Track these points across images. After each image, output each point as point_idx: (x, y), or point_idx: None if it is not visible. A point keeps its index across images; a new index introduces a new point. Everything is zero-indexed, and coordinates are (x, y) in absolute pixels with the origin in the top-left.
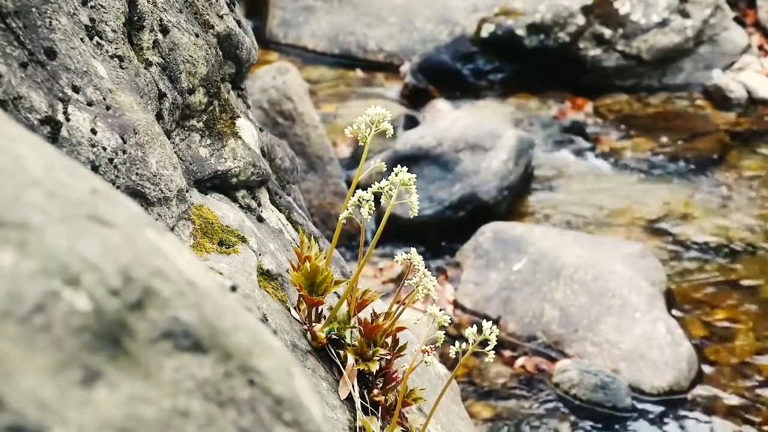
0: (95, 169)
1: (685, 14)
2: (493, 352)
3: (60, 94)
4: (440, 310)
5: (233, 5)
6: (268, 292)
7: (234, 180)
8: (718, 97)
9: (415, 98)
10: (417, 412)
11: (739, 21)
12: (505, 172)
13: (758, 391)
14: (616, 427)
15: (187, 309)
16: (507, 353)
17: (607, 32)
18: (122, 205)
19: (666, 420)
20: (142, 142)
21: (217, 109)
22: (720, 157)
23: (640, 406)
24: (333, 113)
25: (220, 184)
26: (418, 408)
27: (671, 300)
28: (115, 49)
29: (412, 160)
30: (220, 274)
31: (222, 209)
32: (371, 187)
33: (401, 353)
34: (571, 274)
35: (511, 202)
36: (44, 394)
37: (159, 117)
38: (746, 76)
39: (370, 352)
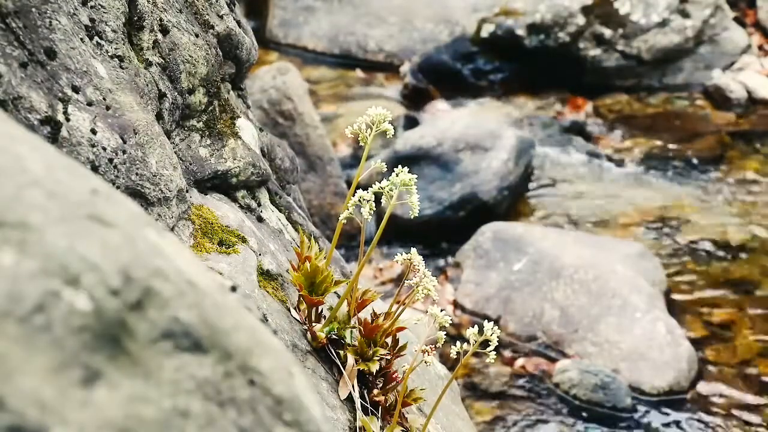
0: (95, 169)
1: (685, 14)
2: (494, 352)
3: (60, 94)
4: (440, 311)
5: (233, 5)
6: (268, 292)
7: (234, 180)
8: (718, 97)
9: (415, 98)
10: (417, 412)
11: (739, 21)
12: (505, 172)
13: (758, 390)
14: (616, 427)
15: (187, 309)
16: (507, 353)
17: (607, 32)
18: (122, 205)
19: (666, 420)
20: (142, 142)
21: (217, 109)
22: (720, 157)
23: (640, 406)
24: (333, 113)
25: (220, 184)
26: (418, 408)
27: (671, 300)
28: (115, 49)
29: (412, 160)
30: (220, 274)
31: (222, 209)
32: (372, 187)
33: (401, 353)
34: (571, 274)
35: (511, 202)
36: (44, 394)
37: (159, 117)
38: (746, 76)
39: (370, 352)
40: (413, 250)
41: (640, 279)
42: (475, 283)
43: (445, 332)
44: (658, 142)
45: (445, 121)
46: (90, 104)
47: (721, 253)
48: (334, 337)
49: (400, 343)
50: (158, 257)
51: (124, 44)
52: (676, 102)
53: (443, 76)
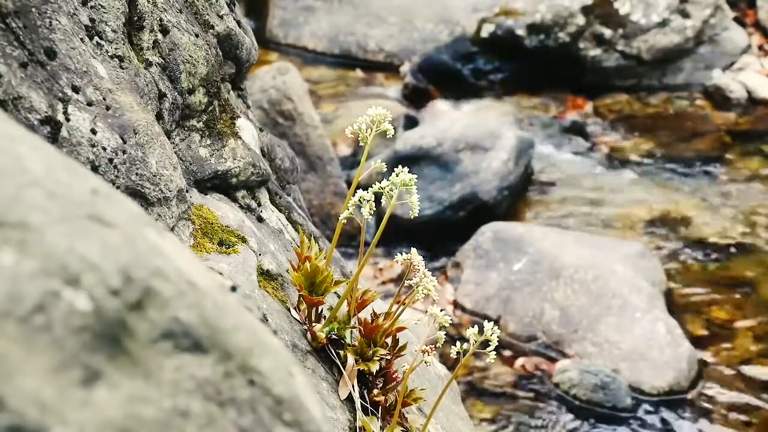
0: (95, 169)
1: (685, 14)
2: (494, 352)
3: (60, 94)
4: (440, 311)
5: (233, 5)
6: (268, 292)
7: (234, 180)
8: (718, 97)
9: (415, 98)
10: (417, 412)
11: (739, 21)
12: (505, 172)
13: (758, 390)
14: (616, 427)
15: (187, 309)
16: (507, 353)
17: (607, 32)
18: (122, 205)
19: (666, 420)
20: (142, 142)
21: (217, 109)
22: (720, 157)
23: (640, 406)
24: (333, 113)
25: (220, 184)
26: (418, 408)
27: (671, 300)
28: (115, 49)
29: (412, 160)
30: (220, 274)
31: (222, 209)
32: (372, 187)
33: (401, 353)
34: (571, 274)
35: (511, 202)
36: (44, 394)
37: (159, 117)
38: (746, 76)
39: (370, 352)
40: (413, 250)
41: (640, 279)
42: (475, 283)
43: (445, 332)
44: (658, 142)
45: (445, 121)
46: (90, 104)
47: (721, 253)
48: (334, 337)
49: (400, 343)
50: (158, 257)
51: (124, 44)
52: (676, 102)
53: (443, 76)
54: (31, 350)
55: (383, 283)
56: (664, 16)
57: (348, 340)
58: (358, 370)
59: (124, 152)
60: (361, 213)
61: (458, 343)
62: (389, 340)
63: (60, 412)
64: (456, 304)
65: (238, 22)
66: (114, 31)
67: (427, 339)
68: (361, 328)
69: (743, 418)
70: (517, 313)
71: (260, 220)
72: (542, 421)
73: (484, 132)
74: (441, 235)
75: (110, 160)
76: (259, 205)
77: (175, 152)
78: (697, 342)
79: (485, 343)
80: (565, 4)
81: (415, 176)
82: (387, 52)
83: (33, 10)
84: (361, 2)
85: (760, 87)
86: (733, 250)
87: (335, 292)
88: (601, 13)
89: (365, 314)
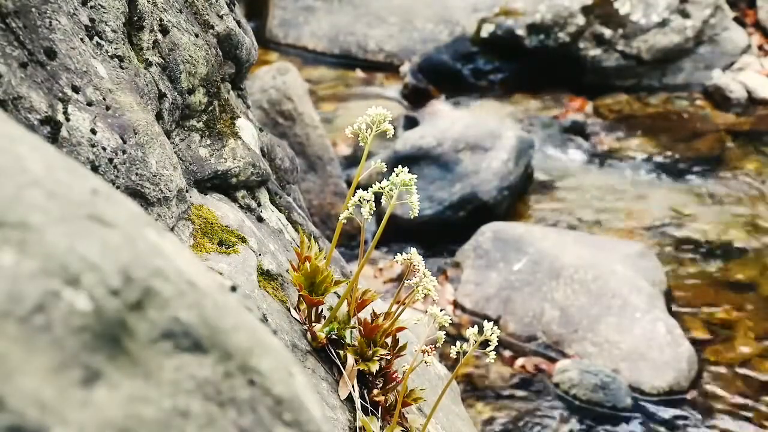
0: (95, 169)
1: (685, 14)
2: (494, 352)
3: (60, 94)
4: (440, 310)
5: (233, 5)
6: (268, 292)
7: (234, 180)
8: (718, 97)
9: (415, 98)
10: (417, 412)
11: (739, 21)
12: (505, 172)
13: (758, 390)
14: (616, 427)
15: (187, 309)
16: (507, 353)
17: (607, 32)
18: (122, 205)
19: (666, 420)
20: (142, 142)
21: (217, 109)
22: (720, 157)
23: (640, 406)
24: (333, 113)
25: (219, 184)
26: (418, 408)
27: (671, 300)
28: (115, 49)
29: (412, 160)
30: (220, 274)
31: (222, 209)
32: (372, 187)
33: (401, 353)
34: (571, 274)
35: (511, 202)
36: (44, 394)
37: (159, 117)
38: (746, 76)
39: (370, 352)
40: (413, 250)
41: (640, 279)
42: (475, 283)
43: (445, 332)
44: (658, 142)
45: (445, 121)
46: (90, 104)
47: (721, 253)
48: (334, 337)
49: (400, 343)
50: (158, 257)
51: (124, 44)
52: (676, 102)
53: (443, 76)
54: (31, 350)
55: (383, 283)
56: (664, 16)
57: (348, 340)
58: (358, 370)
59: (124, 152)
60: (361, 213)
61: (458, 343)
62: (389, 340)
63: (60, 412)
64: (456, 304)
65: (238, 22)
66: (114, 31)
67: (427, 339)
68: (361, 328)
69: (743, 418)
70: (517, 313)
71: (260, 220)
72: (542, 421)
73: (484, 132)
74: (441, 235)
75: (110, 160)
76: (259, 205)
77: (175, 152)
78: (697, 342)
79: (485, 343)
80: (565, 4)
81: (415, 176)
82: (387, 52)
83: (33, 10)
84: (361, 2)
85: (760, 87)
86: (733, 250)
87: (335, 292)
88: (601, 13)
89: (365, 314)
